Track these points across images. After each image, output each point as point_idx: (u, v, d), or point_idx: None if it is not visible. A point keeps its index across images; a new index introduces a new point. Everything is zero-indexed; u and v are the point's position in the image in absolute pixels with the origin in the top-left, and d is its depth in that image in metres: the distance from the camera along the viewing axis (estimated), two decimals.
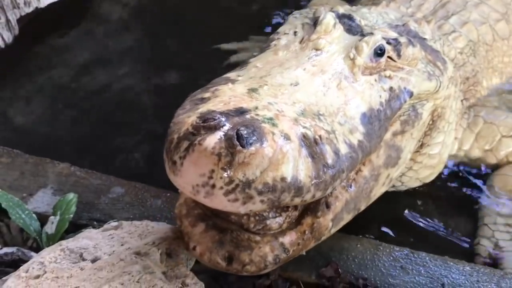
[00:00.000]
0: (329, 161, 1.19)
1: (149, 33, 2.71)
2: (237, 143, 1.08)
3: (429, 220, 1.86)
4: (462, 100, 1.95)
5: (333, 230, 1.44)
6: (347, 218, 1.47)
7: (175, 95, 2.31)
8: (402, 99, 1.49)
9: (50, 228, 1.51)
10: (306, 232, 1.35)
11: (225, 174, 1.08)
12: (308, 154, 1.17)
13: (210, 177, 1.09)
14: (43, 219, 1.61)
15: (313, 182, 1.16)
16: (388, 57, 1.48)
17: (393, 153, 1.56)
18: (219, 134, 1.10)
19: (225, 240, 1.30)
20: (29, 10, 2.43)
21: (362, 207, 1.53)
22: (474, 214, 1.87)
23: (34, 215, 1.61)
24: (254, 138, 1.09)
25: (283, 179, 1.12)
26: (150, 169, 2.00)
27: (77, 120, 2.23)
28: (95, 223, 1.66)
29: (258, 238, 1.31)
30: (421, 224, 1.84)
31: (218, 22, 2.74)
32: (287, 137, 1.14)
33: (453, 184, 1.98)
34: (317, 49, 1.44)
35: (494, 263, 1.69)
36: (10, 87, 2.38)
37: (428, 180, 1.87)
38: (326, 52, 1.43)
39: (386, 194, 1.69)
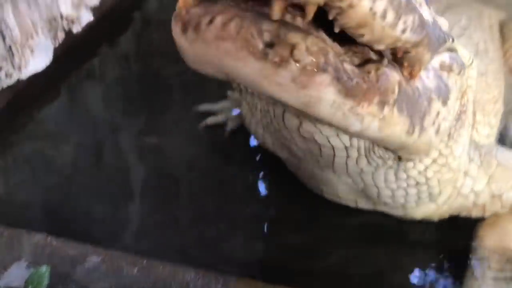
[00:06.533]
0: None
1: (129, 103, 2.76)
2: None
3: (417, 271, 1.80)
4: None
5: (395, 115, 1.10)
6: (405, 120, 1.15)
7: (155, 159, 2.36)
8: (446, 35, 1.35)
9: None
10: (371, 73, 1.02)
11: None
12: None
13: None
14: None
15: None
16: None
17: (442, 85, 1.34)
18: None
19: (264, 18, 0.89)
20: (10, 82, 2.49)
21: (416, 131, 1.22)
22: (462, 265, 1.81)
23: None
24: None
25: None
26: (129, 236, 1.98)
27: (58, 189, 2.22)
28: None
29: (314, 33, 0.94)
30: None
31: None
32: None
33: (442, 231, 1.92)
34: None
35: None
36: None
37: (440, 199, 1.75)
38: None
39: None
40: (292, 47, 0.88)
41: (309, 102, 0.93)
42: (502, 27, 2.81)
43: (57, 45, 2.75)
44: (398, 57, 1.10)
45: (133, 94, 2.83)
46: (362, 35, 0.92)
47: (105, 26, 3.15)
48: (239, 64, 0.89)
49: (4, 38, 2.37)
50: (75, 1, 2.84)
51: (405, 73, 1.15)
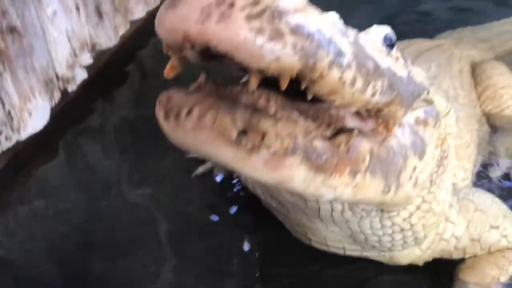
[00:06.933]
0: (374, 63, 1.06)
1: (124, 155, 2.87)
2: None
3: None
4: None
5: (368, 180, 1.15)
6: (380, 182, 1.21)
7: (152, 213, 2.45)
8: (421, 88, 1.43)
9: None
10: (342, 147, 1.08)
11: None
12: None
13: None
14: None
15: (356, 61, 0.97)
16: None
17: (418, 140, 1.40)
18: None
19: (238, 106, 0.97)
20: (10, 144, 2.61)
21: (392, 189, 1.28)
22: None
23: None
24: None
25: (321, 30, 0.91)
26: None
27: (56, 247, 2.31)
28: None
29: (281, 116, 1.00)
30: None
31: None
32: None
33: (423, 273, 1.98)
34: None
35: None
36: None
37: (424, 244, 1.83)
38: None
39: None
40: (263, 134, 0.95)
41: (282, 180, 1.00)
42: (473, 69, 2.93)
43: (53, 105, 2.88)
44: (373, 114, 1.17)
45: (128, 146, 2.94)
46: (334, 101, 1.00)
47: (100, 81, 3.29)
48: (215, 151, 0.97)
49: (3, 104, 2.50)
50: (69, 61, 2.98)
51: (381, 128, 1.25)
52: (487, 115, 2.73)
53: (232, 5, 0.84)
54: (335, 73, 0.93)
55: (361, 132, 1.15)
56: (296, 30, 0.86)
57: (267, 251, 2.24)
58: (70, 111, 3.02)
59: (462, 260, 1.99)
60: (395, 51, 1.39)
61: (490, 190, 2.26)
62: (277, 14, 0.85)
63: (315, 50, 0.89)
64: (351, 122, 1.17)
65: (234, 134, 0.94)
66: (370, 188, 1.18)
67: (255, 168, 0.97)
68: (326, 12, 1.32)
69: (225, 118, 0.94)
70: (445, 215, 1.84)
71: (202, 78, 1.09)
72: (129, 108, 3.26)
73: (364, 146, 1.14)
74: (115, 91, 3.34)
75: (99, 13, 3.19)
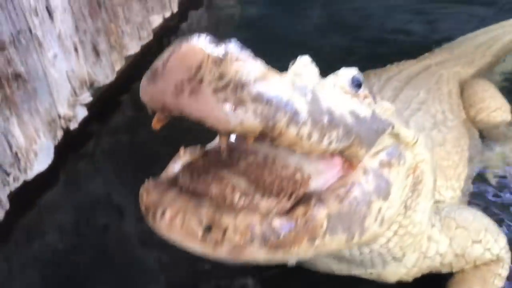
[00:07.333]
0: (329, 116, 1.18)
1: (130, 190, 2.92)
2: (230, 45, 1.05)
3: None
4: None
5: (328, 239, 1.25)
6: (341, 236, 1.30)
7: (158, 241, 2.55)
8: (386, 124, 1.51)
9: None
10: (299, 220, 1.19)
11: (215, 69, 1.01)
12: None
13: (198, 70, 1.01)
14: None
15: (311, 117, 1.12)
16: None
17: (382, 183, 1.46)
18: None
19: (204, 204, 1.14)
20: (18, 184, 2.73)
21: (356, 236, 1.36)
22: None
23: None
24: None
25: (279, 94, 1.06)
26: None
27: (71, 281, 2.41)
28: None
29: (244, 204, 1.18)
30: None
31: None
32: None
33: None
34: None
35: None
36: (4, 257, 2.57)
37: (408, 263, 1.90)
38: None
39: None
40: (225, 229, 1.11)
41: (247, 262, 1.16)
42: (462, 89, 3.06)
43: (56, 144, 3.00)
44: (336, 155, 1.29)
45: (131, 178, 3.02)
46: (295, 150, 1.15)
47: (98, 114, 3.42)
48: (186, 245, 1.15)
49: (11, 147, 2.62)
50: (70, 101, 3.12)
51: (346, 165, 1.37)
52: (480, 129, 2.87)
53: (201, 81, 1.01)
54: (292, 130, 1.08)
55: (319, 200, 1.26)
56: (256, 98, 1.02)
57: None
58: (72, 146, 3.14)
59: (451, 275, 2.09)
60: (362, 90, 1.51)
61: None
62: (240, 86, 1.01)
63: (273, 113, 1.04)
64: (315, 183, 1.31)
65: (200, 233, 1.11)
66: (332, 244, 1.28)
67: (221, 257, 1.14)
68: (300, 56, 1.50)
69: (192, 219, 1.12)
70: (427, 235, 1.92)
71: (181, 151, 1.33)
72: (127, 139, 3.37)
73: (321, 213, 1.24)
74: (113, 124, 3.47)
75: (96, 52, 3.34)
